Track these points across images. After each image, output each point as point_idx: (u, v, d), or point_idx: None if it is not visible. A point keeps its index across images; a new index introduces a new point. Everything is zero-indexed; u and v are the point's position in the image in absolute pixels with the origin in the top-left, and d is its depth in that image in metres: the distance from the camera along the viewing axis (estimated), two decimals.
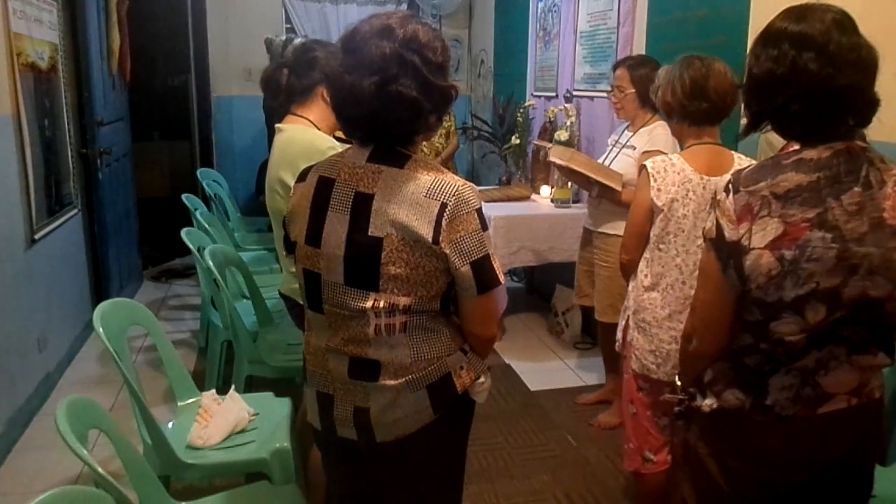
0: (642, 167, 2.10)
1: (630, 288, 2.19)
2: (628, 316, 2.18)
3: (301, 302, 2.08)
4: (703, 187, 2.01)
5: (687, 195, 2.02)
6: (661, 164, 2.05)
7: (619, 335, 2.25)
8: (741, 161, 2.07)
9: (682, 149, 2.13)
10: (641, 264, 2.12)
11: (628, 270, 2.19)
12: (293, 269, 2.07)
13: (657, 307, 2.09)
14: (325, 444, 1.62)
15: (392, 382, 1.42)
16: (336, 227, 1.41)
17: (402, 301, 1.39)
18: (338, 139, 2.13)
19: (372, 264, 1.37)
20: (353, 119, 1.42)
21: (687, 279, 2.03)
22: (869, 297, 1.25)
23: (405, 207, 1.36)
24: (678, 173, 2.03)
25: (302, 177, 1.52)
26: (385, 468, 1.53)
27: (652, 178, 2.03)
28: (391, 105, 1.35)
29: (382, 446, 1.47)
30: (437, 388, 1.45)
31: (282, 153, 2.12)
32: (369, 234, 1.37)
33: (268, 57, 4.95)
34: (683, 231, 2.03)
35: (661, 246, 2.07)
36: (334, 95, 1.43)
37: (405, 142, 1.43)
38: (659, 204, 2.03)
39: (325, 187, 1.44)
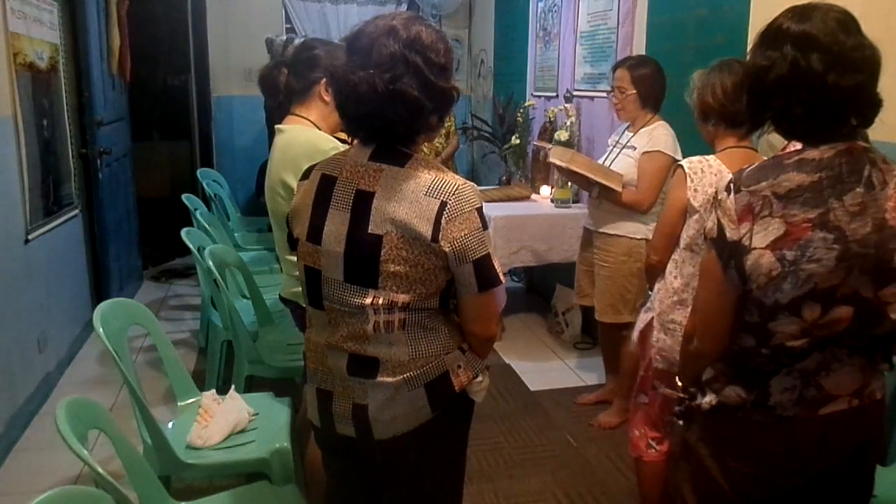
0: (678, 167, 2.07)
1: (656, 289, 2.15)
2: (652, 317, 2.14)
3: (303, 304, 2.08)
4: None
5: None
6: (697, 164, 2.02)
7: (635, 335, 2.22)
8: None
9: (713, 153, 2.11)
10: (670, 266, 2.09)
11: (656, 271, 2.15)
12: (296, 273, 2.07)
13: (687, 307, 2.01)
14: (325, 441, 1.62)
15: (390, 379, 1.43)
16: (337, 225, 1.42)
17: (401, 298, 1.40)
18: (339, 140, 2.11)
19: (371, 262, 1.39)
20: (355, 118, 1.44)
21: None
22: (861, 296, 1.25)
23: (405, 205, 1.37)
24: (715, 174, 1.99)
25: (305, 175, 1.54)
26: (383, 466, 1.54)
27: (689, 179, 2.00)
28: (393, 104, 1.36)
29: (380, 444, 1.48)
30: (435, 386, 1.45)
31: (283, 154, 2.09)
32: (369, 231, 1.39)
33: (269, 57, 4.95)
34: None
35: (694, 248, 2.02)
36: (338, 94, 1.44)
37: (407, 141, 1.45)
38: (695, 205, 1.99)
39: (326, 185, 1.46)
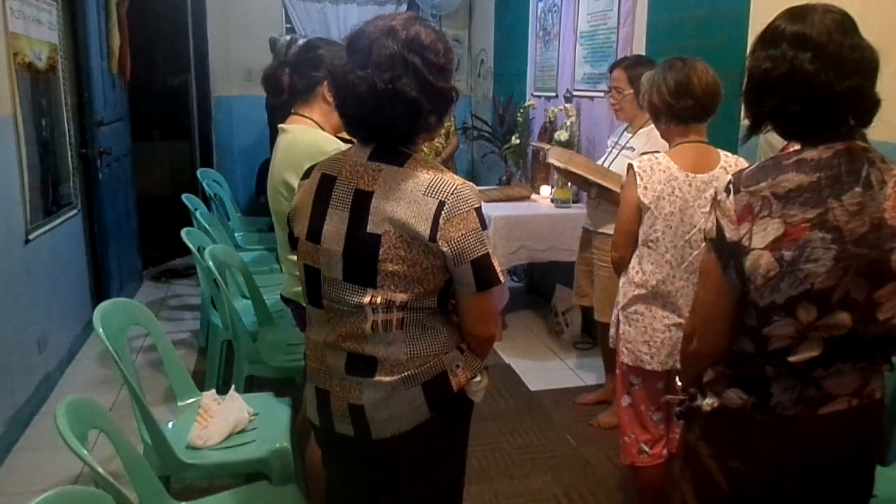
0: (629, 167, 2.14)
1: (620, 283, 2.23)
2: (618, 311, 2.21)
3: (304, 304, 2.08)
4: (689, 184, 2.07)
5: (673, 192, 2.06)
6: (647, 162, 2.10)
7: (611, 331, 2.29)
8: (727, 158, 2.13)
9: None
10: (634, 261, 2.16)
11: (620, 267, 2.24)
12: (297, 273, 2.07)
13: (649, 299, 2.13)
14: (324, 440, 1.63)
15: (388, 379, 1.44)
16: (336, 224, 1.43)
17: (399, 297, 1.41)
18: (342, 140, 2.11)
19: (370, 261, 1.39)
20: (354, 117, 1.45)
21: (678, 273, 2.09)
22: (856, 300, 1.25)
23: (403, 205, 1.38)
24: (664, 171, 2.07)
25: (306, 174, 1.56)
26: (382, 465, 1.54)
27: (638, 177, 2.08)
28: (391, 104, 1.37)
29: (379, 443, 1.48)
30: (433, 386, 1.46)
31: (286, 154, 2.08)
32: (368, 230, 1.39)
33: (271, 56, 4.94)
34: (671, 228, 2.08)
35: (650, 244, 2.11)
36: (337, 94, 1.45)
37: (406, 141, 1.46)
38: (646, 202, 2.07)
39: (326, 184, 1.47)
